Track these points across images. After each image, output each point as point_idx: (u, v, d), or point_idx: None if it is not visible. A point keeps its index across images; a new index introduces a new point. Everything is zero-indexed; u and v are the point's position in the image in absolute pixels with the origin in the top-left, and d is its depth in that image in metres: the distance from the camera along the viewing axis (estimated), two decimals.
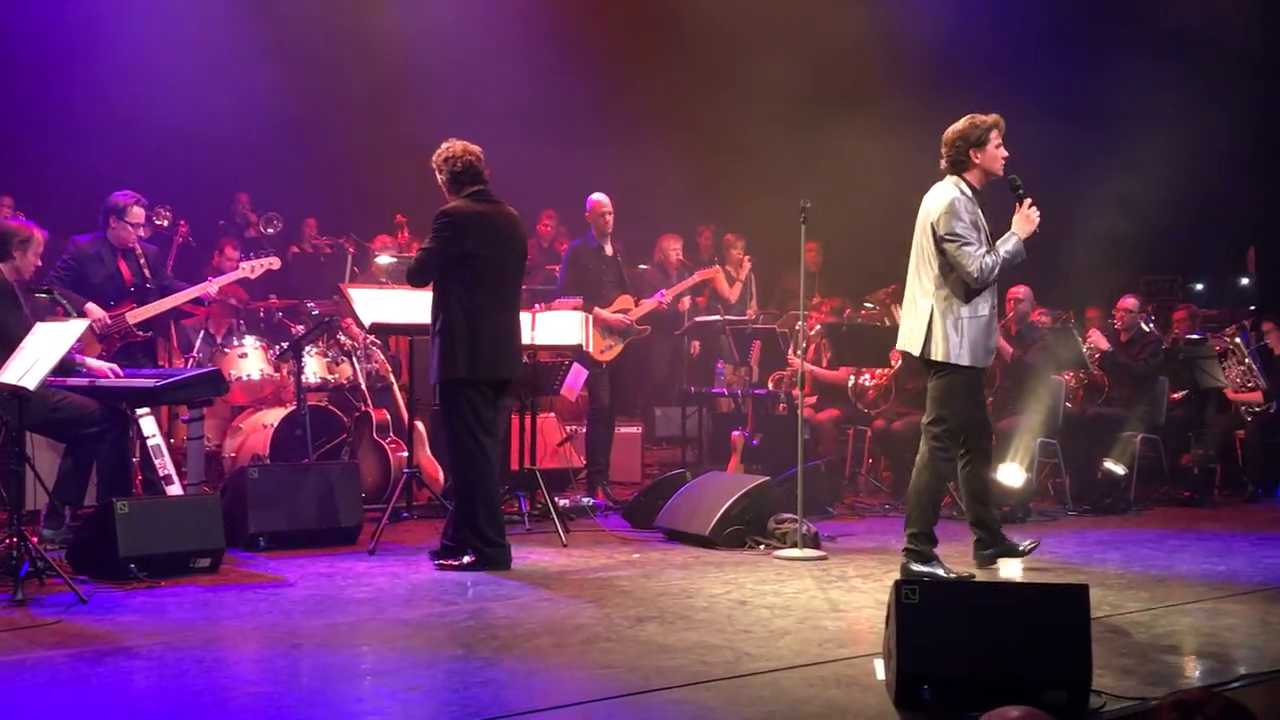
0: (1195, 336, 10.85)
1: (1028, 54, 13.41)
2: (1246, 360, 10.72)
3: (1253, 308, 11.92)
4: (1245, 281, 13.38)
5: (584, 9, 13.59)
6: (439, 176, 6.85)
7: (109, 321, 7.74)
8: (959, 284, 6.35)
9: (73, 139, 11.97)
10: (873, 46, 12.41)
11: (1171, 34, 12.93)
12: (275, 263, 8.74)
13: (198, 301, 8.54)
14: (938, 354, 6.37)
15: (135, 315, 7.88)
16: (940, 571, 6.36)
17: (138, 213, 8.00)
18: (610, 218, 9.49)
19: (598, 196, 9.55)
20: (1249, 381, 10.69)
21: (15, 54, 11.84)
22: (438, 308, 6.71)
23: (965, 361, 6.36)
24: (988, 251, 6.33)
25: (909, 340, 6.54)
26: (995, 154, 6.47)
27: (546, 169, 11.90)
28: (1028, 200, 6.47)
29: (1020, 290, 9.67)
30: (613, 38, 13.66)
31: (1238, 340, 10.79)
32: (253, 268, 8.50)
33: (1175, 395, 10.34)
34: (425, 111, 12.51)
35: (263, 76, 12.03)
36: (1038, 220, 6.44)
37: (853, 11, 12.52)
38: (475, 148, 6.82)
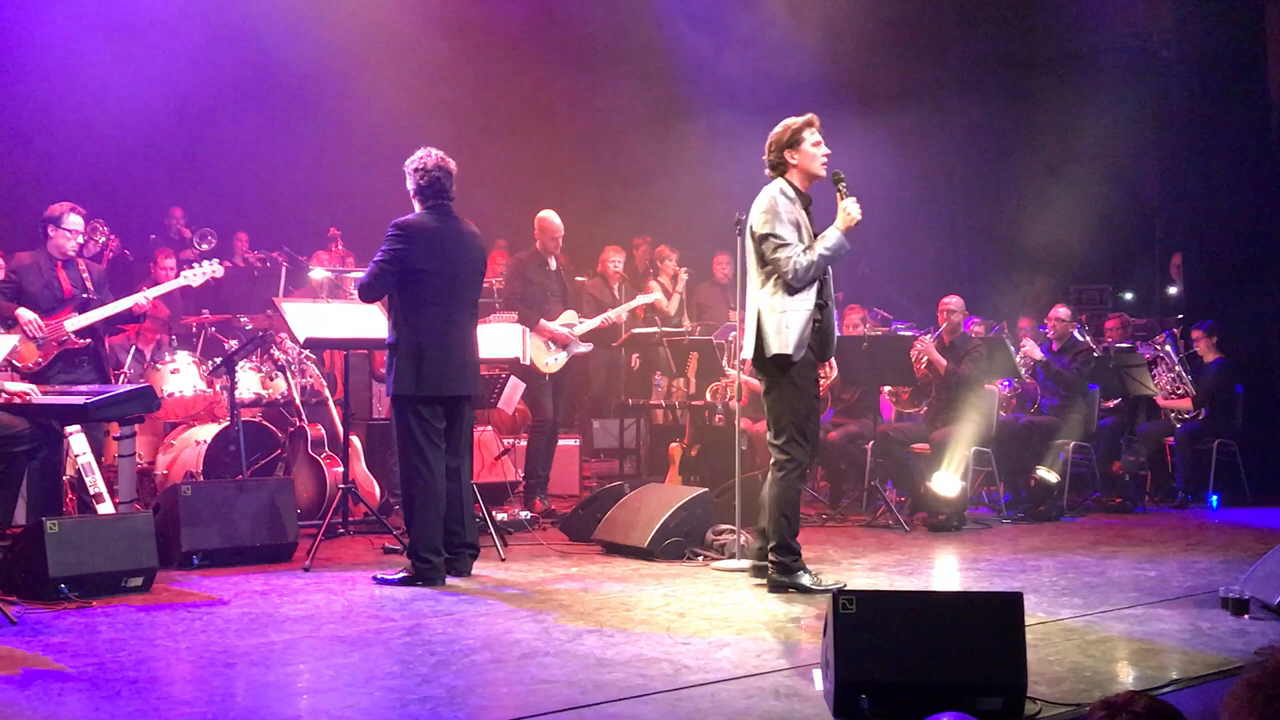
0: (1126, 345, 11.01)
1: (969, 69, 13.62)
2: (1176, 368, 10.89)
3: (1180, 316, 12.11)
4: (1174, 290, 13.57)
5: (517, 18, 13.65)
6: (409, 183, 6.84)
7: (42, 326, 7.65)
8: (782, 280, 6.33)
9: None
10: (802, 60, 12.53)
11: (1092, 48, 13.15)
12: (219, 270, 8.54)
13: (132, 316, 8.36)
14: (769, 349, 6.34)
15: (73, 322, 7.79)
16: (805, 581, 6.32)
17: (74, 221, 7.90)
18: (560, 235, 9.49)
19: (548, 214, 9.53)
20: (1178, 389, 10.86)
21: None
22: (390, 322, 6.76)
23: (788, 350, 6.30)
24: (806, 250, 6.31)
25: (746, 346, 6.53)
26: (812, 153, 6.44)
27: (488, 180, 11.93)
28: (851, 198, 6.39)
29: (953, 301, 9.77)
30: (551, 52, 13.73)
31: (1167, 348, 10.96)
32: (195, 275, 8.35)
33: (1107, 403, 10.48)
34: (359, 123, 12.47)
35: (194, 88, 11.93)
36: (858, 215, 6.36)
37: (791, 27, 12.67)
38: (449, 162, 6.83)
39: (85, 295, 7.93)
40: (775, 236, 6.32)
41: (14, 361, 7.63)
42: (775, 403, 6.45)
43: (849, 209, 6.37)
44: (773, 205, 6.38)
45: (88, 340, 7.88)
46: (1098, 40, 13.56)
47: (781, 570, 6.39)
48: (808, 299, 6.35)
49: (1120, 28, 13.49)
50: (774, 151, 6.50)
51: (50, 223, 7.88)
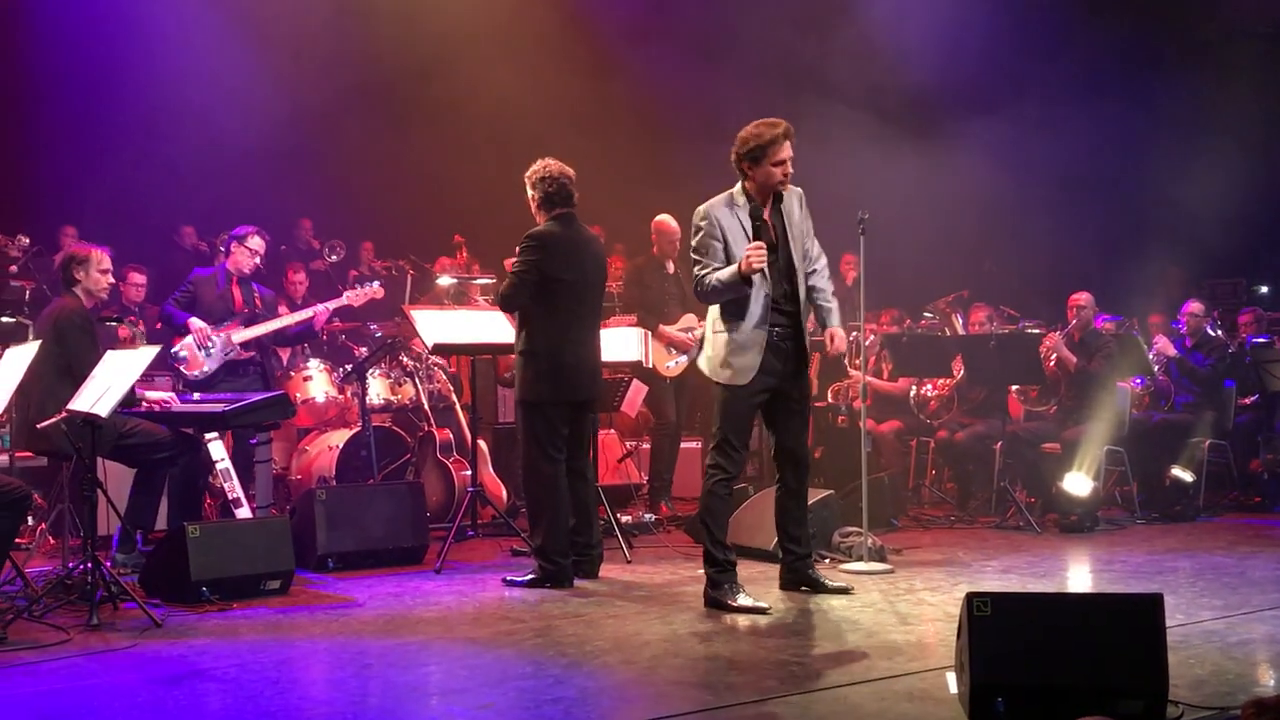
0: (1262, 340, 10.70)
1: (1093, 62, 13.40)
2: None
3: None
4: None
5: (632, 12, 13.71)
6: (531, 194, 6.90)
7: (210, 336, 8.07)
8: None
9: (129, 166, 12.19)
10: (930, 66, 12.38)
11: (1230, 37, 12.84)
12: (379, 291, 8.95)
13: (311, 331, 8.66)
14: (702, 365, 6.32)
15: (239, 334, 8.20)
16: (740, 599, 5.99)
17: (257, 242, 8.41)
18: (677, 239, 9.48)
19: (665, 218, 9.53)
20: None
21: (71, 76, 12.07)
22: (520, 328, 6.83)
23: (716, 378, 6.19)
24: (716, 270, 6.09)
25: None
26: (770, 171, 6.13)
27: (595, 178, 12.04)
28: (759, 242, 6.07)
29: (1082, 297, 9.57)
30: (666, 46, 13.74)
31: None
32: (357, 296, 8.68)
33: (1244, 400, 10.20)
34: (476, 124, 12.59)
35: (316, 94, 12.16)
36: (758, 266, 5.97)
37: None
38: (569, 170, 6.89)
39: (254, 311, 8.35)
40: (695, 253, 6.21)
41: (181, 369, 7.99)
42: (715, 406, 6.34)
43: (749, 255, 5.96)
44: (701, 217, 6.20)
45: (253, 353, 8.29)
46: (1226, 28, 13.23)
47: (710, 583, 6.14)
48: (737, 324, 6.11)
49: (1248, 15, 13.16)
50: (736, 155, 6.23)
51: (235, 239, 8.43)
